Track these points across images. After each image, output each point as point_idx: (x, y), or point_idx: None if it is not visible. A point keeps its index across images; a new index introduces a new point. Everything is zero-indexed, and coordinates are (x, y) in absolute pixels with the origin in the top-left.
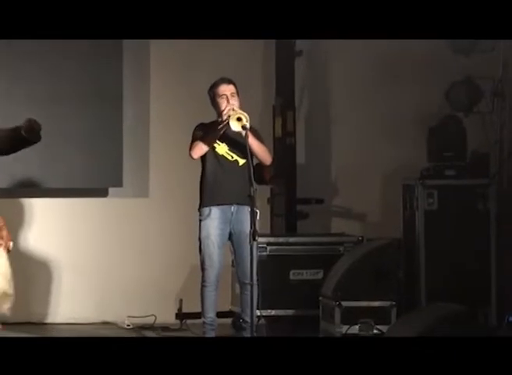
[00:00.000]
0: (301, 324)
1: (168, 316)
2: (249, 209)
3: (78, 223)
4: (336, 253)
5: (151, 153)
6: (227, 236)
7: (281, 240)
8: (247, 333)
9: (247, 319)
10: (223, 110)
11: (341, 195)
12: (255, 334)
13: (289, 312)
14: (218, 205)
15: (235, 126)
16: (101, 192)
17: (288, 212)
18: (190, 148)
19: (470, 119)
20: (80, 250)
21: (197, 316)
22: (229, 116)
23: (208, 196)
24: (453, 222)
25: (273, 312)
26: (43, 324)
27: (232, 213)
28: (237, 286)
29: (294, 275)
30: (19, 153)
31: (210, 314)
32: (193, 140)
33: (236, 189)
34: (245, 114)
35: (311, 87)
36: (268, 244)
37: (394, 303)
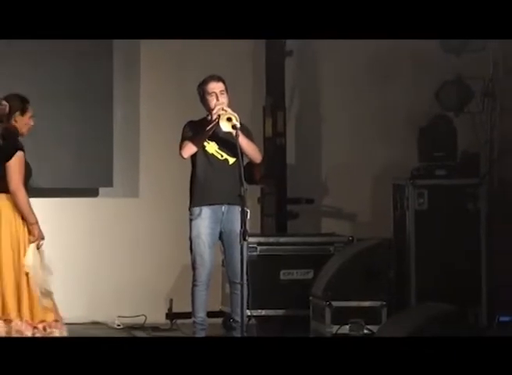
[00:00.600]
0: (291, 324)
1: (158, 316)
2: (239, 209)
3: (68, 222)
4: (326, 253)
5: (141, 153)
6: (218, 235)
7: (271, 240)
8: (237, 333)
9: (238, 318)
10: (213, 108)
11: (331, 195)
12: (245, 334)
13: (280, 312)
14: (208, 204)
15: (225, 127)
16: (92, 192)
17: (278, 212)
18: (180, 148)
19: (460, 119)
20: (69, 250)
21: (188, 315)
22: (219, 116)
23: (198, 196)
24: (444, 222)
25: (263, 312)
26: None
27: (222, 213)
28: (227, 286)
29: (284, 275)
30: None
31: (200, 314)
32: (183, 139)
33: (227, 189)
34: (235, 114)
35: (302, 87)
36: (259, 244)
37: (384, 303)
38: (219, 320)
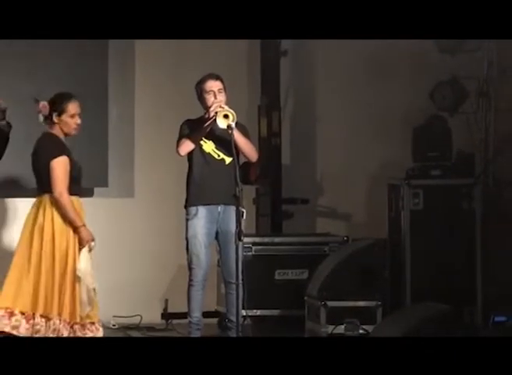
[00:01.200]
0: (287, 324)
1: (153, 316)
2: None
3: None
4: (321, 253)
5: (136, 153)
6: (214, 235)
7: (266, 240)
8: (232, 333)
9: (233, 318)
10: (210, 106)
11: (326, 195)
12: (241, 334)
13: (275, 312)
14: (204, 204)
15: (222, 124)
16: (87, 192)
17: (273, 212)
18: (177, 145)
19: (455, 119)
20: None
21: (183, 315)
22: (216, 113)
23: (194, 195)
24: (439, 222)
25: (259, 312)
26: None
27: (219, 213)
28: (223, 286)
29: (279, 275)
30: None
31: (196, 314)
32: (180, 136)
33: (223, 189)
34: (232, 111)
35: (297, 87)
36: (254, 244)
37: (380, 303)
38: (215, 320)
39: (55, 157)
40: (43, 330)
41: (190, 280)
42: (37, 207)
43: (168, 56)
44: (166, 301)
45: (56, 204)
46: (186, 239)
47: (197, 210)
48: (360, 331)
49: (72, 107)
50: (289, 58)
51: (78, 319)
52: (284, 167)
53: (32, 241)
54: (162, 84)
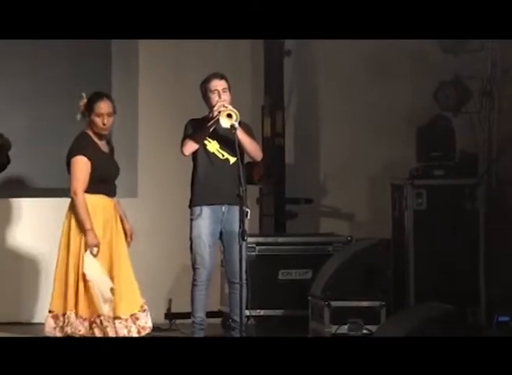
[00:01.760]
0: (290, 324)
1: (157, 316)
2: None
3: None
4: (324, 253)
5: (139, 153)
6: (218, 235)
7: (270, 240)
8: (236, 333)
9: (236, 318)
10: (214, 105)
11: (330, 195)
12: (244, 334)
13: (278, 312)
14: (208, 204)
15: (225, 123)
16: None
17: (277, 212)
18: (182, 145)
19: (458, 119)
20: None
21: (187, 315)
22: (220, 112)
23: (198, 195)
24: (442, 222)
25: (262, 312)
26: (31, 324)
27: (223, 213)
28: (226, 286)
29: (283, 275)
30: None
31: (199, 314)
32: (185, 136)
33: (227, 189)
34: (235, 111)
35: (300, 87)
36: (257, 244)
37: (383, 303)
38: (218, 320)
39: (74, 155)
40: (59, 327)
41: (194, 280)
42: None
43: (171, 56)
44: (170, 301)
45: (71, 203)
46: (191, 239)
47: (202, 210)
48: (364, 331)
49: (100, 106)
50: (292, 59)
51: (96, 314)
52: (288, 167)
53: (61, 241)
54: (166, 84)
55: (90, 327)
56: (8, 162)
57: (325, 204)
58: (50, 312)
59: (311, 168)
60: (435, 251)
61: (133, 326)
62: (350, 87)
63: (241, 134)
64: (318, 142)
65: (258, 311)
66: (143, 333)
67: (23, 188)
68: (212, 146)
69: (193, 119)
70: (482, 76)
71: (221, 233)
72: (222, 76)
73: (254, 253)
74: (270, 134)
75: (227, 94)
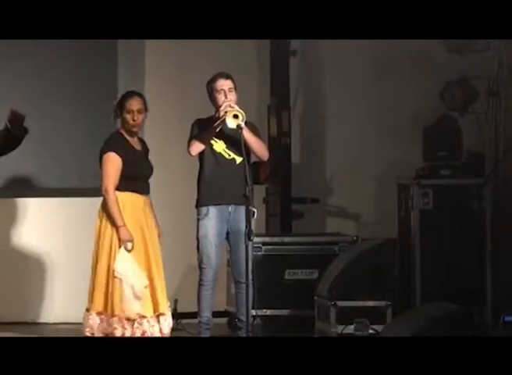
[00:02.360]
0: (297, 324)
1: None
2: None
3: (73, 222)
4: (331, 253)
5: None
6: (224, 235)
7: (276, 239)
8: (242, 333)
9: (243, 318)
10: (220, 105)
11: (336, 195)
12: (250, 334)
13: (285, 311)
14: (215, 204)
15: (231, 124)
16: (97, 192)
17: (283, 212)
18: (188, 145)
19: (465, 119)
20: (74, 249)
21: (193, 315)
22: (226, 113)
23: (205, 195)
24: (449, 221)
25: (268, 312)
26: (37, 324)
27: (229, 213)
28: (233, 286)
29: (289, 275)
30: (14, 152)
31: (206, 313)
32: (191, 137)
33: (234, 189)
34: (242, 111)
35: (306, 86)
36: (264, 243)
37: (389, 303)
38: (224, 320)
39: (105, 152)
40: (96, 325)
41: (200, 279)
42: None
43: (177, 56)
44: (176, 300)
45: (103, 201)
46: (197, 239)
47: (208, 210)
48: (370, 331)
49: (130, 103)
50: (298, 58)
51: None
52: (294, 167)
53: (95, 240)
54: (172, 84)
55: (120, 326)
56: (26, 132)
57: (331, 203)
58: (87, 310)
59: (317, 167)
60: (442, 251)
61: (156, 325)
62: (356, 86)
63: (247, 134)
64: (324, 142)
65: (264, 311)
66: (166, 334)
67: (28, 188)
68: (219, 146)
69: (199, 119)
70: (489, 76)
71: (227, 233)
72: (228, 76)
73: (260, 253)
74: (276, 134)
75: (233, 93)
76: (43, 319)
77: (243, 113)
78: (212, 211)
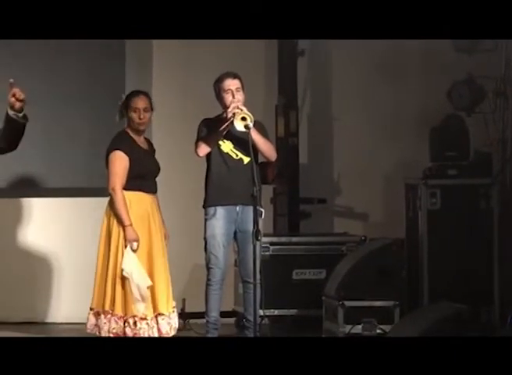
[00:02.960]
0: (304, 324)
1: None
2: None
3: (80, 222)
4: (338, 253)
5: None
6: (232, 235)
7: (284, 240)
8: (250, 333)
9: (250, 318)
10: (228, 105)
11: (344, 195)
12: (258, 334)
13: (292, 311)
14: (223, 205)
15: (239, 126)
16: (104, 191)
17: (291, 212)
18: (196, 146)
19: (472, 119)
20: (81, 249)
21: (201, 315)
22: (234, 115)
23: (213, 195)
24: (456, 221)
25: (276, 312)
26: (44, 324)
27: (237, 213)
28: (240, 286)
29: (297, 275)
30: (21, 151)
31: (213, 313)
32: (199, 137)
33: (241, 189)
34: (250, 114)
35: (314, 86)
36: (271, 243)
37: (397, 303)
38: (232, 320)
39: (111, 151)
40: (94, 324)
41: (208, 279)
42: None
43: (184, 56)
44: (184, 300)
45: (110, 200)
46: (205, 239)
47: (216, 210)
48: (378, 331)
49: (135, 102)
50: (306, 58)
51: (131, 315)
52: (301, 167)
53: (100, 239)
54: (179, 84)
55: (124, 326)
56: (26, 119)
57: (338, 203)
58: (91, 309)
59: (324, 168)
60: (449, 251)
61: (155, 325)
62: (364, 86)
63: (255, 134)
64: (331, 142)
65: (272, 311)
66: (171, 334)
67: (35, 188)
68: (226, 146)
69: (206, 119)
70: (496, 75)
71: (235, 233)
72: (235, 76)
73: (268, 253)
74: (284, 134)
75: (240, 93)
76: (50, 319)
77: (251, 116)
78: (220, 211)
